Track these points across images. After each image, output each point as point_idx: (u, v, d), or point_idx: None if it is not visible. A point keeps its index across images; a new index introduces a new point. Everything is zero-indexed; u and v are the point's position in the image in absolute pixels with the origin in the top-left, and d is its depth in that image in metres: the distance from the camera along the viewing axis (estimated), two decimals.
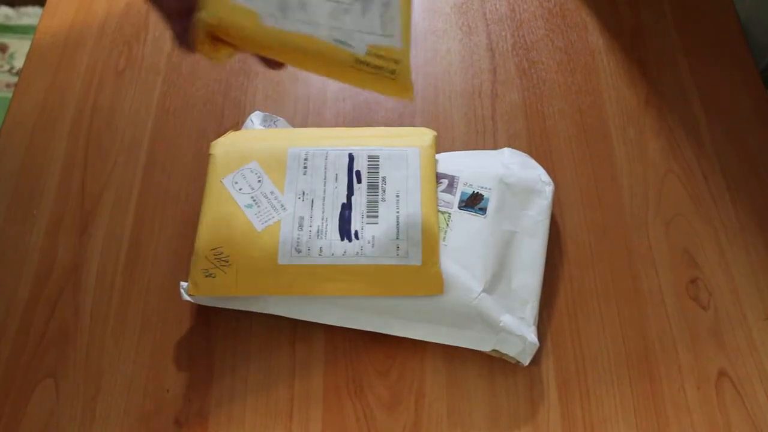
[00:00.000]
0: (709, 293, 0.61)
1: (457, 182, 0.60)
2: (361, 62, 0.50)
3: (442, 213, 0.59)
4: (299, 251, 0.56)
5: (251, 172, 0.60)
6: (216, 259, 0.56)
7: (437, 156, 0.63)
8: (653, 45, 0.76)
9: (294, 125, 0.70)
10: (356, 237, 0.57)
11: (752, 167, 0.68)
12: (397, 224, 0.58)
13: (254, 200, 0.59)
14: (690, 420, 0.55)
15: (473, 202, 0.59)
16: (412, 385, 0.57)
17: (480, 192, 0.60)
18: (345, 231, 0.57)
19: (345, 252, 0.56)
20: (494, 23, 0.78)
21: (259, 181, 0.59)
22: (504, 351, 0.56)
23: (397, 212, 0.58)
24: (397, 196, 0.59)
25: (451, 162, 0.62)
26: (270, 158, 0.61)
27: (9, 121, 0.71)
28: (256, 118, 0.67)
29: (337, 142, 0.62)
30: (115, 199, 0.66)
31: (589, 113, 0.71)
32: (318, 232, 0.57)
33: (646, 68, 0.74)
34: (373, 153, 0.61)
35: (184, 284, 0.57)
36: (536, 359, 0.58)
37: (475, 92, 0.73)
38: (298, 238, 0.57)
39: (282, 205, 0.58)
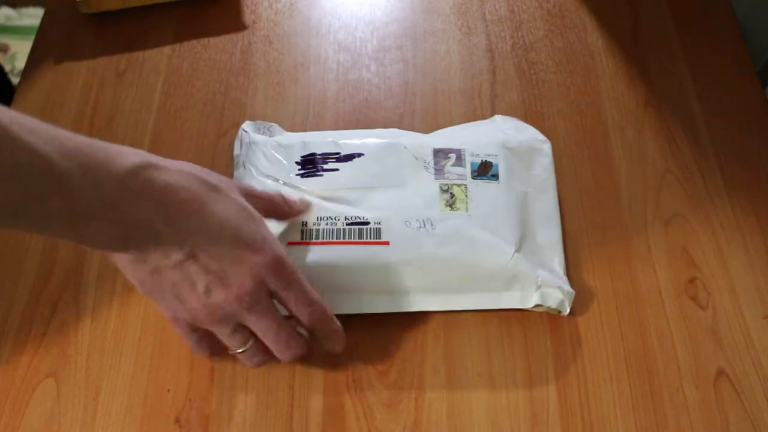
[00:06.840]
0: (707, 293, 0.61)
1: (464, 154, 0.62)
2: None
3: (458, 186, 0.60)
4: None
5: None
6: None
7: (435, 133, 0.65)
8: (652, 46, 0.76)
9: (294, 125, 0.70)
10: None
11: (751, 167, 0.68)
12: None
13: None
14: (688, 419, 0.56)
15: (485, 171, 0.61)
16: (412, 384, 0.57)
17: (488, 160, 0.61)
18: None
19: None
20: (493, 24, 0.78)
21: None
22: (547, 304, 0.58)
23: None
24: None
25: (450, 137, 0.64)
26: None
27: None
28: (248, 128, 0.66)
29: None
30: None
31: (588, 114, 0.71)
32: None
33: (645, 69, 0.74)
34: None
35: None
36: (536, 359, 0.58)
37: (474, 92, 0.73)
38: None
39: None
